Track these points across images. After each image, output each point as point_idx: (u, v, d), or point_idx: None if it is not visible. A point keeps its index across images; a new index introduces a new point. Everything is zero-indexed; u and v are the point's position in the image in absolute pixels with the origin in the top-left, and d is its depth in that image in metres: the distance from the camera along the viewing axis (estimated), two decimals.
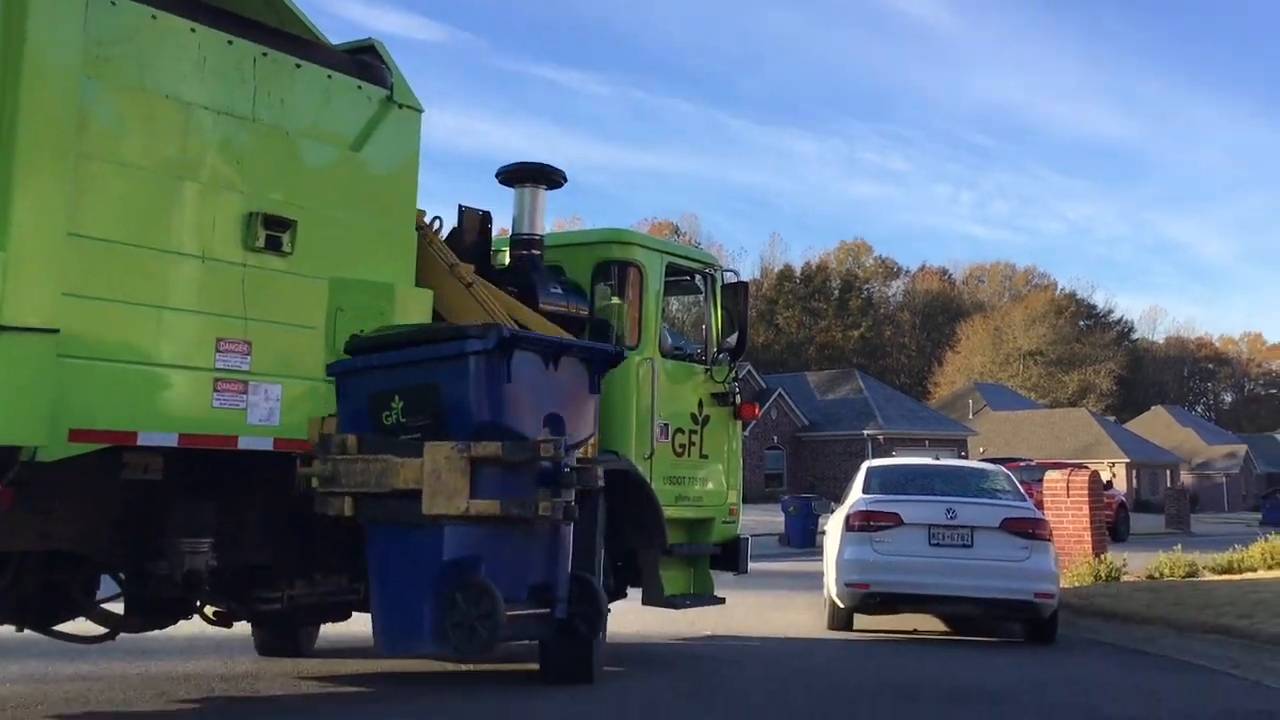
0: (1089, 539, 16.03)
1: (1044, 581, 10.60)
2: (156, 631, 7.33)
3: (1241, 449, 78.83)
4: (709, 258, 9.91)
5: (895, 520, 10.79)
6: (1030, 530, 10.80)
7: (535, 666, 7.56)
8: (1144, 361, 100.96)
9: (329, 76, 6.59)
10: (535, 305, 8.09)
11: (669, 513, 8.54)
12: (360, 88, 6.74)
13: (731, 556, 9.38)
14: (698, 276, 9.50)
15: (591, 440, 6.56)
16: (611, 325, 8.73)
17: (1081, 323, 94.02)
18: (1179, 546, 17.40)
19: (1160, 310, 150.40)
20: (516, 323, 7.46)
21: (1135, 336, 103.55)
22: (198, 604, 7.08)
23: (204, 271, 5.81)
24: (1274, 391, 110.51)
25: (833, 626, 11.31)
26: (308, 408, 6.14)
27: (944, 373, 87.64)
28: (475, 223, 8.36)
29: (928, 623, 12.06)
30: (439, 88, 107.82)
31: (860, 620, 11.39)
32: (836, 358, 79.57)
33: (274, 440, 6.06)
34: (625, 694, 7.58)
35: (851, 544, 10.82)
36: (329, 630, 9.08)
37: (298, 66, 6.41)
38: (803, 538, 24.85)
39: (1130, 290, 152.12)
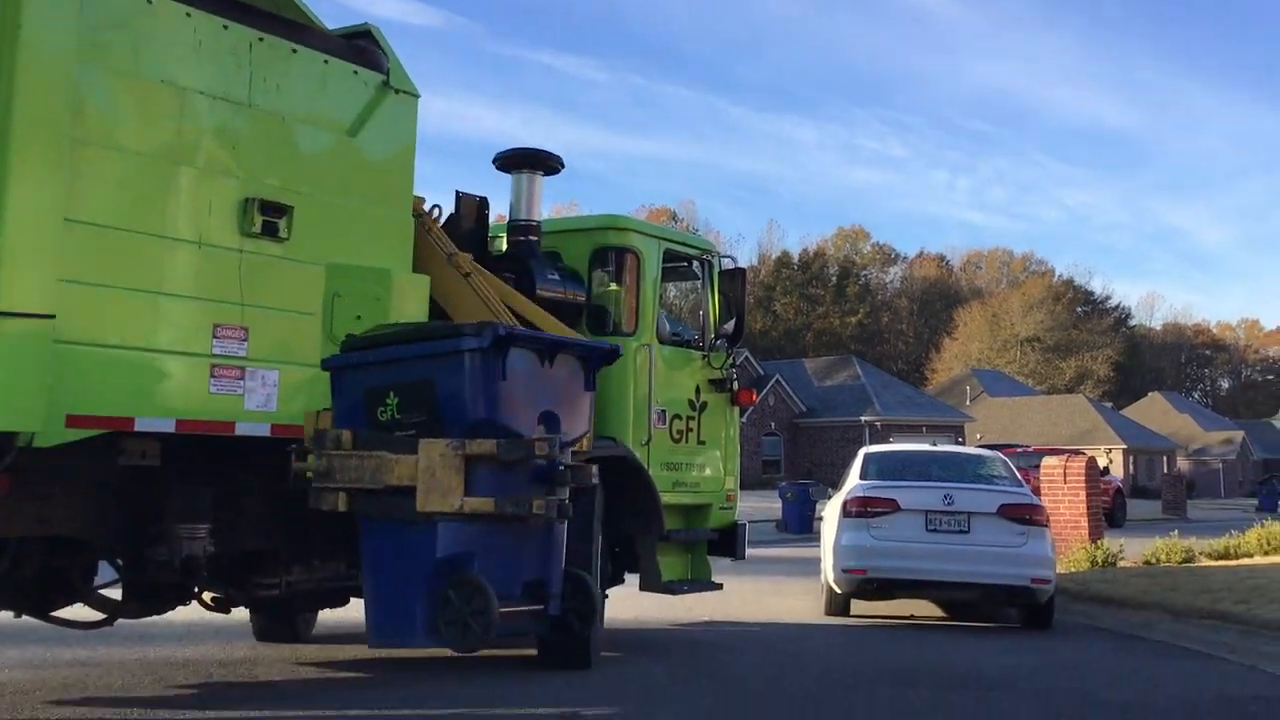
0: (1086, 525, 16.07)
1: (1040, 567, 10.63)
2: (155, 617, 7.34)
3: (1238, 435, 78.97)
4: (707, 244, 9.90)
5: (892, 506, 10.81)
6: (1027, 516, 10.82)
7: (533, 652, 7.57)
8: (1141, 348, 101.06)
9: (325, 61, 6.57)
10: (532, 292, 8.08)
11: (666, 499, 8.55)
12: (356, 73, 6.72)
13: (729, 542, 9.40)
14: (695, 263, 9.50)
15: (586, 437, 6.56)
16: (609, 312, 8.73)
17: (1079, 309, 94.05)
18: (1175, 532, 17.45)
19: (1158, 297, 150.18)
20: (513, 312, 7.46)
21: (1133, 323, 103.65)
22: (196, 590, 7.09)
23: (200, 257, 5.80)
24: (1271, 378, 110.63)
25: (830, 612, 11.34)
26: (305, 394, 6.14)
27: (941, 359, 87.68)
28: (472, 209, 8.35)
29: (924, 608, 12.09)
30: (435, 73, 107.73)
31: (857, 606, 11.42)
32: (834, 344, 79.58)
33: (271, 426, 6.06)
34: (623, 679, 7.60)
35: (849, 530, 10.84)
36: (327, 616, 9.10)
37: (294, 51, 6.40)
38: (800, 524, 24.90)
39: (1128, 277, 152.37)
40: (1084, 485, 16.27)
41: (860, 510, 10.85)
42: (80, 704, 6.50)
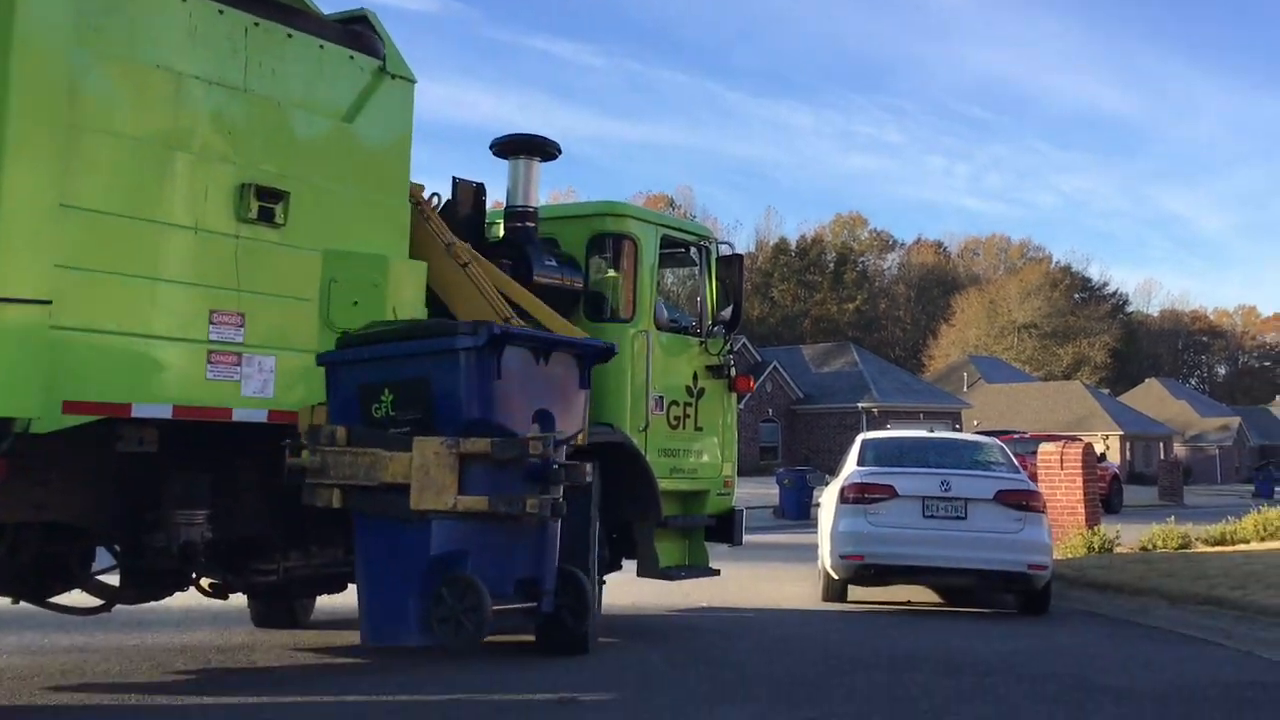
0: (1082, 511, 16.09)
1: (1037, 553, 10.65)
2: (152, 603, 7.35)
3: (1235, 421, 79.08)
4: (704, 230, 9.89)
5: (889, 492, 10.82)
6: (1024, 502, 10.84)
7: (531, 638, 7.58)
8: (1138, 334, 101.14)
9: (321, 47, 6.55)
10: (530, 278, 8.07)
11: (664, 485, 8.55)
12: (353, 58, 6.70)
13: (726, 528, 9.41)
14: (692, 249, 9.49)
15: (581, 434, 6.56)
16: (606, 298, 8.73)
17: (1076, 296, 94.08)
18: (1172, 518, 17.48)
19: (1155, 283, 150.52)
20: (510, 303, 7.43)
21: (1130, 309, 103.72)
22: (193, 576, 7.09)
23: (197, 243, 5.78)
24: (1268, 364, 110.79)
25: (827, 598, 11.36)
26: (302, 380, 6.14)
27: (939, 346, 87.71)
28: (469, 195, 8.33)
29: (921, 594, 12.12)
30: (432, 58, 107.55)
31: (854, 592, 11.44)
32: (831, 331, 79.59)
33: (269, 412, 6.06)
34: (620, 665, 7.61)
35: (846, 516, 10.85)
36: (325, 602, 9.11)
37: (289, 36, 6.37)
38: (797, 510, 24.93)
39: (1125, 263, 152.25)
40: (1081, 471, 16.29)
41: (857, 496, 10.87)
42: (78, 690, 6.51)
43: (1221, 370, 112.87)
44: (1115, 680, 7.41)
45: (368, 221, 6.66)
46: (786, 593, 12.06)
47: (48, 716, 5.91)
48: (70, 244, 5.25)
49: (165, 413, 5.65)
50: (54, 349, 5.14)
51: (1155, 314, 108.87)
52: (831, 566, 11.02)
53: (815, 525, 13.98)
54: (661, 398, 8.78)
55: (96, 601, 6.94)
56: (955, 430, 46.16)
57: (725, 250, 9.64)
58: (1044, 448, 17.34)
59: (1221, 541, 16.47)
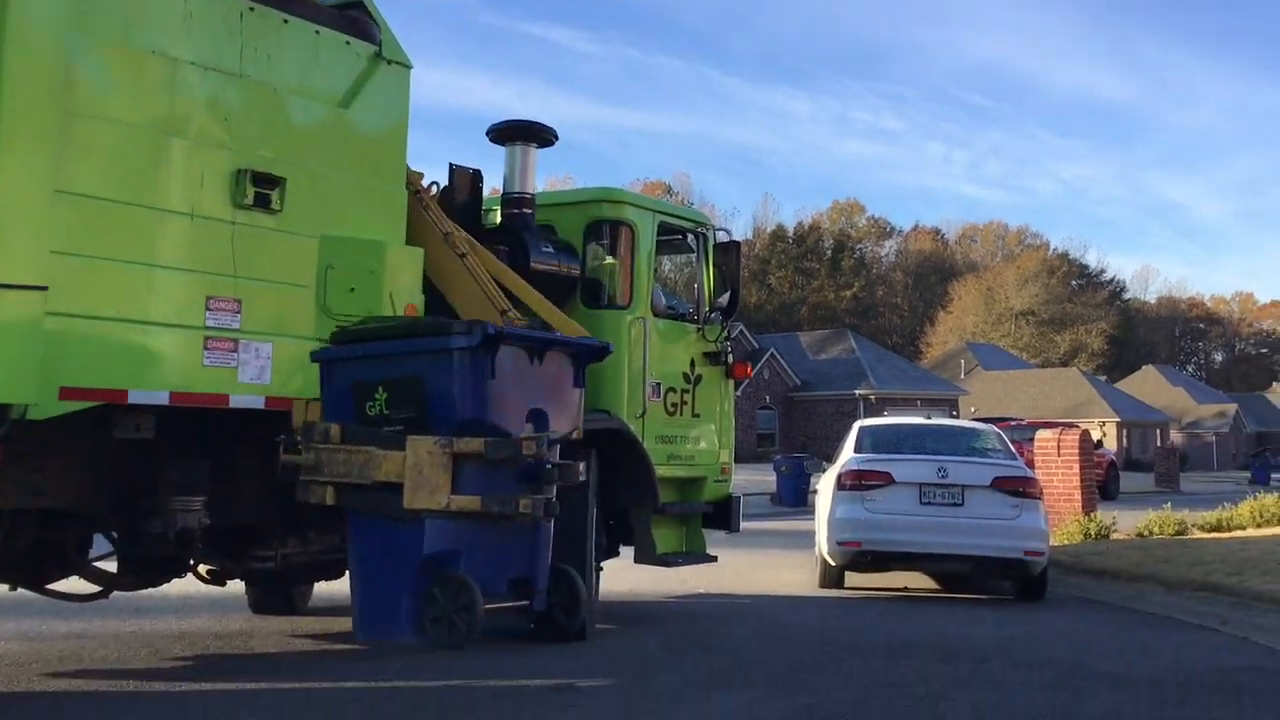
0: (1079, 497, 16.12)
1: (1034, 539, 10.67)
2: (150, 590, 7.37)
3: (1231, 408, 79.18)
4: (701, 217, 9.88)
5: (887, 479, 10.83)
6: (1021, 489, 10.85)
7: (529, 624, 7.59)
8: (1135, 321, 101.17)
9: (317, 32, 6.52)
10: (527, 265, 8.06)
11: (661, 471, 8.56)
12: (348, 43, 6.68)
13: (723, 515, 9.42)
14: (690, 236, 9.48)
15: (575, 434, 6.55)
16: (603, 285, 8.72)
17: (1074, 282, 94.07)
18: (1168, 505, 17.50)
19: (1152, 270, 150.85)
20: (507, 294, 7.41)
21: (1127, 296, 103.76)
22: (191, 562, 7.10)
23: (193, 229, 5.77)
24: (1264, 351, 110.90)
25: (824, 585, 11.37)
26: (299, 366, 6.13)
27: (936, 333, 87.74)
28: (466, 182, 8.32)
29: (918, 581, 12.14)
30: (429, 44, 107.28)
31: (851, 578, 11.45)
32: (829, 318, 79.57)
33: (265, 399, 6.06)
34: (617, 651, 7.62)
35: (843, 503, 10.86)
36: (322, 589, 9.11)
37: (285, 22, 6.35)
38: (794, 497, 24.95)
39: (1123, 250, 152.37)
40: (1077, 458, 16.31)
41: (855, 483, 10.87)
42: (76, 676, 6.51)
43: (1218, 357, 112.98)
44: (1112, 666, 7.43)
45: (364, 207, 6.64)
46: (784, 579, 12.08)
47: (46, 703, 5.92)
48: (66, 230, 5.23)
49: (162, 399, 5.64)
50: (50, 335, 5.14)
51: (1152, 301, 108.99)
52: (829, 553, 11.03)
53: (812, 512, 13.99)
54: (659, 384, 8.78)
55: (94, 588, 6.94)
56: (952, 417, 46.19)
57: (722, 237, 9.63)
58: (1041, 434, 17.35)
59: (1218, 528, 16.49)
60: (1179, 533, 15.98)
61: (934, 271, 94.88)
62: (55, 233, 5.19)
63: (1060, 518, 15.46)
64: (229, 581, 7.71)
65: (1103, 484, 26.87)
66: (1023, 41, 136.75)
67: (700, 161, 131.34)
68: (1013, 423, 31.21)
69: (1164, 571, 11.93)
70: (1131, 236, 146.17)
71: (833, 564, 11.13)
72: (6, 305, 4.97)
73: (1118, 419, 64.35)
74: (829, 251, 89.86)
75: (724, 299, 9.38)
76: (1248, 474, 49.51)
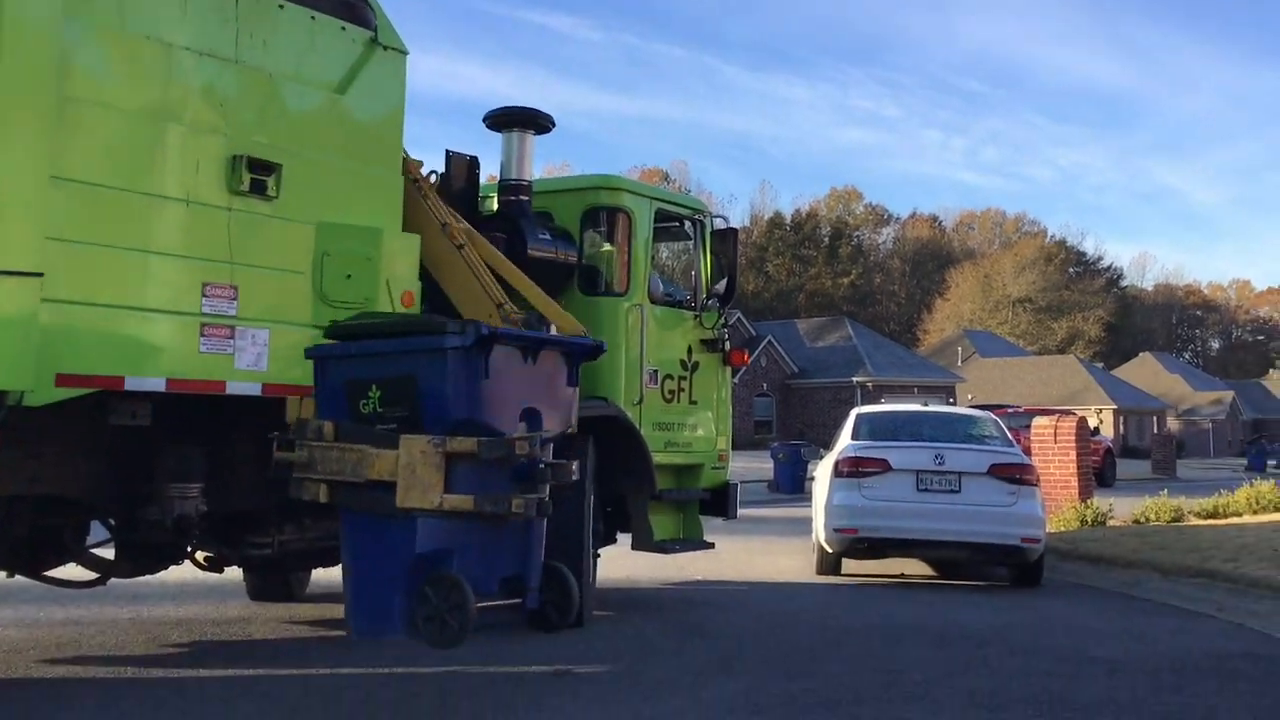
0: (1076, 484, 16.15)
1: (1030, 526, 10.69)
2: (148, 577, 7.37)
3: (1228, 395, 79.31)
4: (698, 204, 9.87)
5: (884, 466, 10.84)
6: (1017, 475, 10.86)
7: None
8: (1132, 308, 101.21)
9: (312, 18, 6.49)
10: (523, 252, 8.04)
11: (658, 458, 8.56)
12: (344, 29, 6.65)
13: (721, 502, 9.43)
14: (687, 223, 9.47)
15: (570, 430, 6.55)
16: (601, 272, 8.71)
17: (1071, 270, 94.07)
18: (1165, 492, 17.53)
19: (1149, 257, 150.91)
20: (504, 286, 7.38)
21: (1124, 283, 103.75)
22: (189, 549, 7.10)
23: (189, 215, 5.75)
24: (1261, 338, 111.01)
25: (821, 571, 11.39)
26: (296, 353, 6.12)
27: (933, 320, 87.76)
28: (463, 169, 8.29)
29: (915, 567, 12.16)
30: (426, 31, 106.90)
31: (848, 565, 11.48)
32: (826, 305, 79.55)
33: (262, 385, 6.05)
34: (615, 637, 7.64)
35: (840, 490, 10.87)
36: (320, 575, 9.12)
37: (280, 7, 6.32)
38: (792, 484, 24.98)
39: (1120, 237, 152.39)
40: (1074, 445, 16.33)
41: (852, 470, 10.88)
42: (73, 662, 6.52)
43: (1215, 344, 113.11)
44: (1108, 652, 7.45)
45: (361, 194, 6.62)
46: (781, 566, 12.10)
47: (43, 689, 5.93)
48: (62, 216, 5.22)
49: (158, 386, 5.63)
50: (46, 321, 5.12)
51: (1149, 288, 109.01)
52: (826, 540, 11.05)
53: (809, 499, 14.01)
54: (656, 371, 8.77)
55: (92, 575, 6.95)
56: (949, 404, 46.20)
57: (720, 224, 9.61)
58: (1038, 421, 17.37)
59: (1214, 515, 16.52)
60: (1175, 519, 16.01)
61: (931, 259, 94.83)
62: (51, 219, 5.17)
63: (1057, 504, 15.49)
64: (226, 568, 7.71)
65: (1099, 471, 26.92)
66: (1020, 28, 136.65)
67: (698, 149, 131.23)
68: (1010, 410, 31.21)
69: (1160, 558, 11.96)
70: (1129, 223, 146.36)
71: (830, 551, 11.15)
72: (2, 292, 4.95)
73: (1114, 406, 64.43)
74: (826, 239, 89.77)
75: (721, 286, 9.37)
76: (1244, 461, 49.58)
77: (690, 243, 9.61)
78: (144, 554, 6.88)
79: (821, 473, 11.98)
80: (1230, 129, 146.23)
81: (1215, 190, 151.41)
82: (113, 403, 5.73)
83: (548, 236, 8.38)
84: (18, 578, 6.84)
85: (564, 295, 8.41)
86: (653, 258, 8.98)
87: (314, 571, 9.07)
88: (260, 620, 8.12)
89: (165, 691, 5.91)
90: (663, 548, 8.84)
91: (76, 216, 5.28)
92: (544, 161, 67.84)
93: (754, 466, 27.98)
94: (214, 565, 7.51)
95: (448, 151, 8.23)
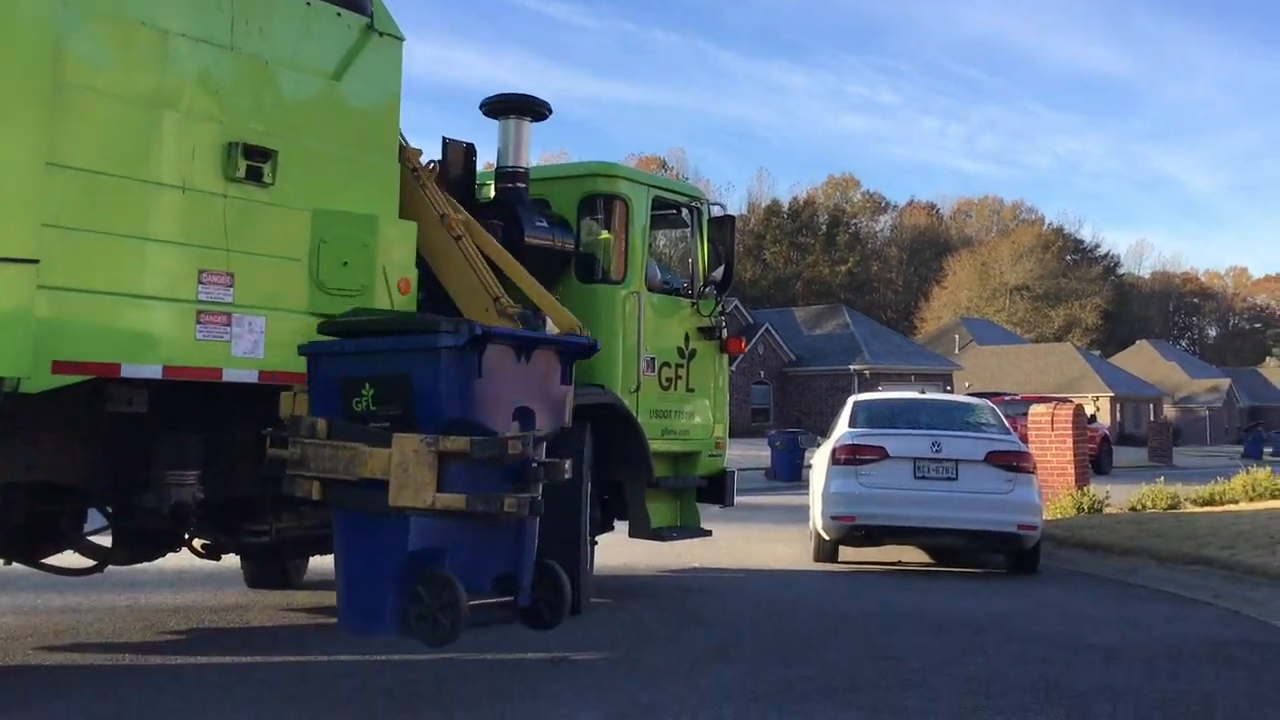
0: (1072, 472, 16.16)
1: (1027, 513, 10.70)
2: (145, 564, 7.36)
3: (1225, 383, 79.41)
4: (696, 191, 9.85)
5: (881, 454, 10.85)
6: (1014, 463, 10.88)
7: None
8: (1130, 296, 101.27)
9: (308, 4, 6.46)
10: (520, 239, 8.03)
11: (655, 446, 8.56)
12: (340, 15, 6.62)
13: (718, 490, 9.43)
14: (684, 210, 9.45)
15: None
16: (598, 259, 8.70)
17: (1068, 257, 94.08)
18: (1161, 479, 17.57)
19: (1147, 245, 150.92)
20: (501, 278, 7.36)
21: (1121, 271, 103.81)
22: (186, 537, 7.09)
23: (185, 202, 5.73)
24: (1258, 326, 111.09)
25: (818, 559, 11.41)
26: (293, 340, 6.10)
27: (931, 308, 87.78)
28: (459, 156, 8.26)
29: (912, 554, 12.18)
30: (423, 18, 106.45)
31: (845, 552, 11.49)
32: (824, 293, 79.55)
33: (259, 373, 6.03)
34: (612, 624, 7.65)
35: (837, 477, 10.88)
36: (318, 563, 9.13)
37: None
38: (789, 472, 25.01)
39: (1117, 225, 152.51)
40: (1071, 433, 16.34)
41: (849, 458, 10.89)
42: (71, 650, 6.53)
43: (1212, 332, 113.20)
44: (1104, 639, 7.46)
45: (357, 181, 6.60)
46: (778, 553, 12.11)
47: (41, 676, 5.93)
48: (57, 203, 5.19)
49: (155, 373, 5.62)
50: (42, 308, 5.11)
51: (1146, 276, 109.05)
52: (823, 527, 11.07)
53: (807, 487, 14.03)
54: (653, 359, 8.77)
55: (89, 562, 6.94)
56: (946, 392, 46.27)
57: (717, 211, 9.60)
58: (1035, 409, 17.39)
59: (1210, 502, 16.56)
60: (1172, 507, 16.04)
61: (929, 246, 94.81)
62: (47, 206, 5.15)
63: (1053, 492, 15.51)
64: (224, 556, 7.72)
65: (1096, 458, 26.95)
66: (1017, 14, 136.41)
67: (696, 136, 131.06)
68: (1007, 397, 31.27)
69: (1156, 545, 11.98)
70: (1126, 211, 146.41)
71: (827, 538, 11.17)
72: None
73: (1111, 394, 64.52)
74: (824, 227, 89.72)
75: (718, 274, 9.35)
76: (1240, 448, 49.70)
77: (687, 230, 9.60)
78: (141, 541, 6.87)
79: (819, 460, 11.99)
80: (1228, 116, 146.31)
81: (1212, 178, 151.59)
82: (109, 390, 5.72)
83: (545, 224, 8.36)
84: (15, 565, 6.84)
85: (561, 283, 8.40)
86: (650, 245, 8.97)
87: (311, 559, 9.08)
88: (258, 608, 8.12)
89: (163, 679, 5.92)
90: (660, 535, 8.84)
91: (72, 203, 5.26)
92: (541, 149, 67.68)
93: (751, 454, 28.01)
94: (211, 553, 7.51)
95: (444, 139, 8.20)
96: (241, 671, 6.12)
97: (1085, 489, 15.93)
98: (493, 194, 8.53)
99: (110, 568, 7.12)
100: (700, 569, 10.77)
